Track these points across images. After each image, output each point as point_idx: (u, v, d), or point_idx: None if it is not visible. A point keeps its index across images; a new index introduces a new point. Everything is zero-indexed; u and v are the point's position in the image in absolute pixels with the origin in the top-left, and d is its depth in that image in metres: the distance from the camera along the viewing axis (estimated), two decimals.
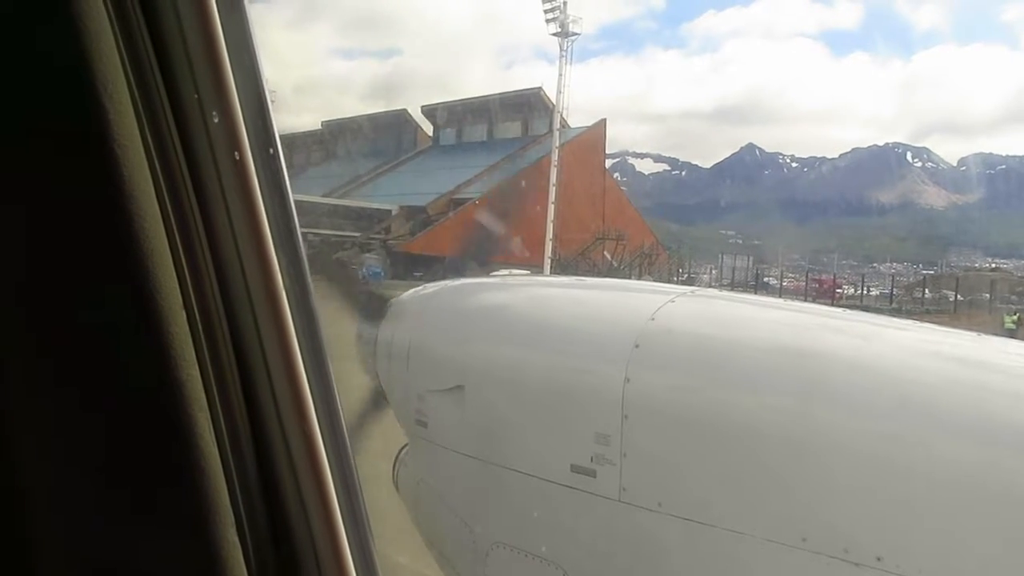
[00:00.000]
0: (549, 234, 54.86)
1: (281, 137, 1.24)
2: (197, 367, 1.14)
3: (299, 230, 1.25)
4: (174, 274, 1.13)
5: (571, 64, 68.64)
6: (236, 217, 1.19)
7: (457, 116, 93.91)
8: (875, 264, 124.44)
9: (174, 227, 1.15)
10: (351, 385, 5.30)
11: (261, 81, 1.21)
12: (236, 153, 1.17)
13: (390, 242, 69.01)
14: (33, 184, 1.06)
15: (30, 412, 1.08)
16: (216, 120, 1.16)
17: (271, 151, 1.22)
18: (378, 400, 5.20)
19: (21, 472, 1.09)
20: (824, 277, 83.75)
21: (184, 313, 1.14)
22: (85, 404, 1.10)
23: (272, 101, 1.24)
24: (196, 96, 1.16)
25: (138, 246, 1.09)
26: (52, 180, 1.07)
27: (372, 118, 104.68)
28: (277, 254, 1.21)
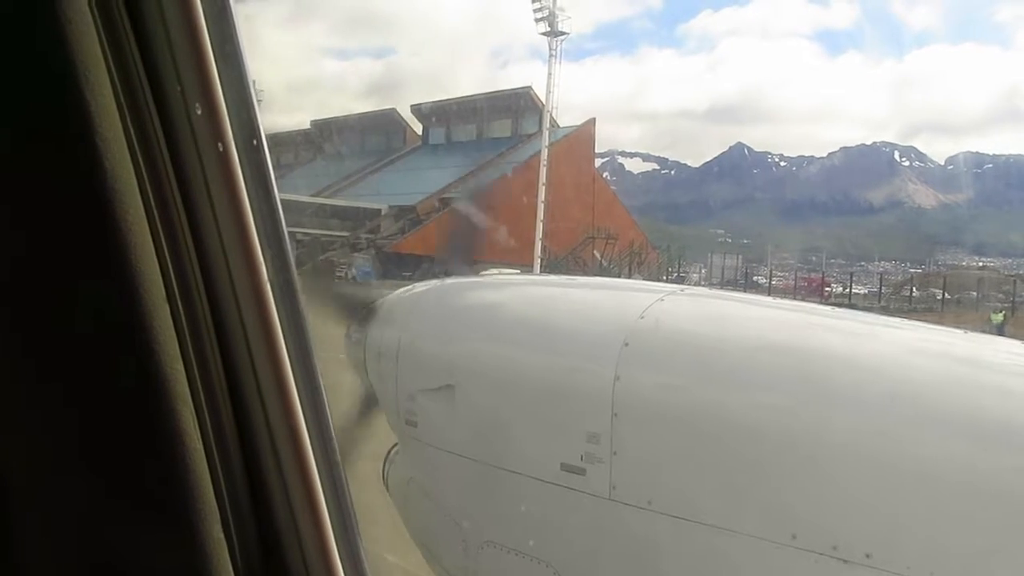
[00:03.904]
0: (538, 233, 54.87)
1: (268, 136, 1.22)
2: (181, 361, 1.13)
3: (284, 223, 1.24)
4: (157, 267, 1.12)
5: (561, 63, 68.72)
6: (220, 209, 1.17)
7: (446, 115, 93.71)
8: (863, 262, 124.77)
9: (157, 219, 1.13)
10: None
11: (245, 72, 1.19)
12: (220, 145, 1.16)
13: (380, 241, 68.93)
14: (14, 177, 1.05)
15: (12, 407, 1.07)
16: (199, 112, 1.14)
17: (255, 142, 1.20)
18: (369, 406, 5.18)
19: (5, 470, 1.07)
20: (813, 276, 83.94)
21: (168, 306, 1.12)
22: (67, 399, 1.08)
23: (259, 100, 1.23)
24: (179, 88, 1.14)
25: (121, 239, 1.07)
26: (32, 173, 1.05)
27: (361, 117, 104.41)
28: (262, 246, 1.19)
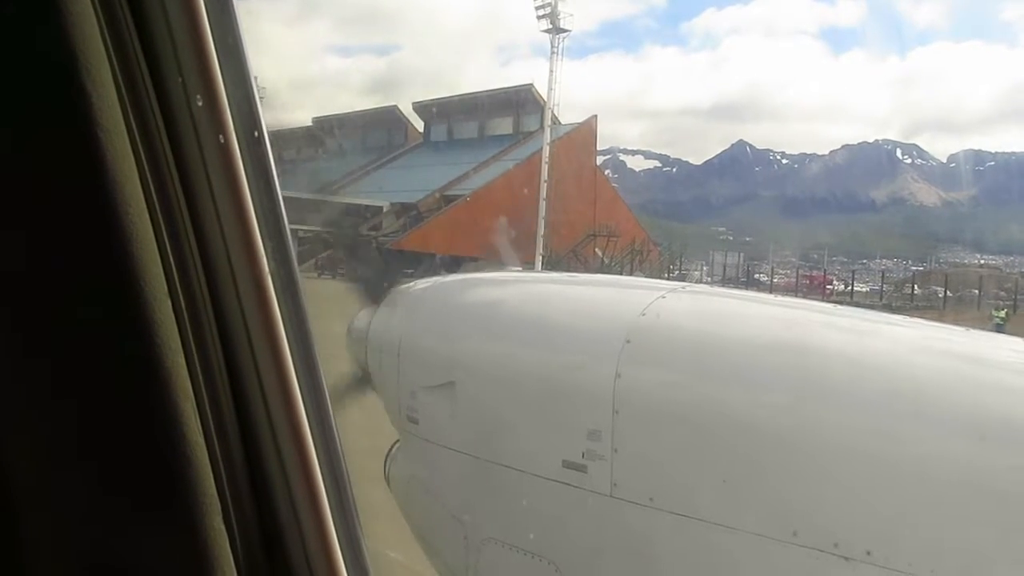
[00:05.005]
0: (540, 230, 54.92)
1: (270, 133, 1.22)
2: (182, 354, 1.12)
3: (285, 215, 1.24)
4: (159, 259, 1.11)
5: (562, 60, 68.77)
6: (221, 201, 1.17)
7: (448, 113, 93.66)
8: (865, 260, 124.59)
9: (158, 212, 1.13)
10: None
11: (246, 64, 1.19)
12: (221, 136, 1.16)
13: (381, 238, 68.93)
14: (14, 170, 1.04)
15: (13, 401, 1.07)
16: (200, 103, 1.14)
17: (256, 134, 1.20)
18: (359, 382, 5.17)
19: (7, 463, 1.07)
20: (814, 273, 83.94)
21: (169, 299, 1.12)
22: (68, 392, 1.08)
23: (261, 97, 1.23)
24: (180, 79, 1.14)
25: (122, 231, 1.07)
26: (33, 165, 1.05)
27: (363, 115, 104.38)
28: (263, 238, 1.19)
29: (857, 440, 3.07)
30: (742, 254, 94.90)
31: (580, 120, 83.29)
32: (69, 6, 1.04)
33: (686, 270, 77.14)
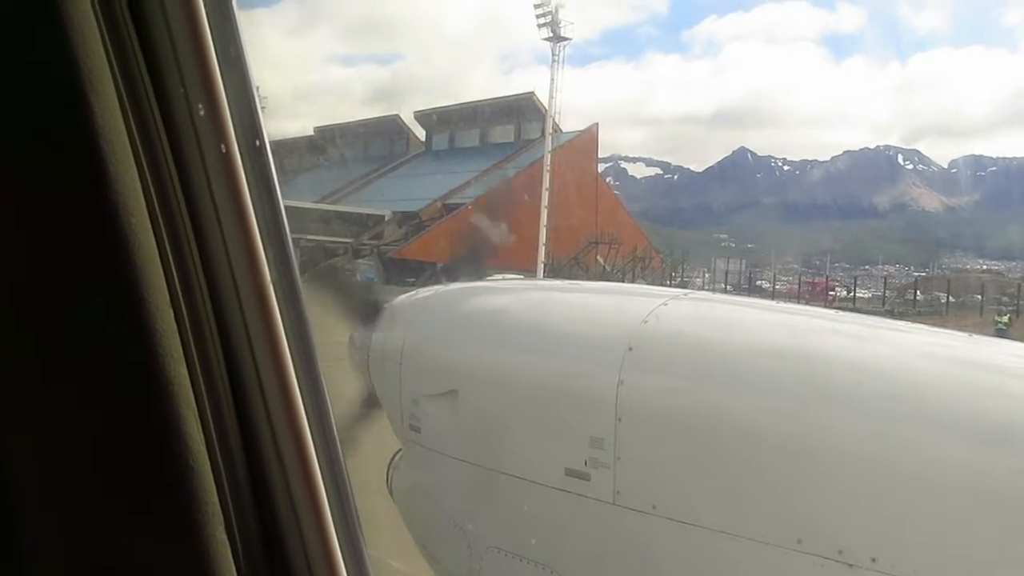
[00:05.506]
0: (542, 238, 54.93)
1: (272, 142, 1.23)
2: (184, 364, 1.13)
3: (287, 224, 1.24)
4: (161, 269, 1.12)
5: (563, 68, 68.75)
6: (223, 211, 1.17)
7: (449, 121, 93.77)
8: (867, 266, 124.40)
9: (160, 221, 1.13)
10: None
11: (247, 74, 1.19)
12: (222, 146, 1.16)
13: (383, 247, 68.93)
14: (17, 178, 1.05)
15: (16, 410, 1.07)
16: (202, 113, 1.15)
17: (257, 143, 1.20)
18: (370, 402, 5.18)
19: (10, 470, 1.08)
20: (817, 280, 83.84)
21: (171, 309, 1.12)
22: (71, 402, 1.08)
23: (263, 107, 1.24)
24: (182, 89, 1.14)
25: (124, 240, 1.08)
26: (36, 174, 1.05)
27: (364, 124, 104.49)
28: (265, 248, 1.19)
29: (860, 446, 3.06)
30: (744, 261, 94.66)
31: (582, 128, 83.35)
32: (71, 15, 1.04)
33: (688, 277, 77.07)
